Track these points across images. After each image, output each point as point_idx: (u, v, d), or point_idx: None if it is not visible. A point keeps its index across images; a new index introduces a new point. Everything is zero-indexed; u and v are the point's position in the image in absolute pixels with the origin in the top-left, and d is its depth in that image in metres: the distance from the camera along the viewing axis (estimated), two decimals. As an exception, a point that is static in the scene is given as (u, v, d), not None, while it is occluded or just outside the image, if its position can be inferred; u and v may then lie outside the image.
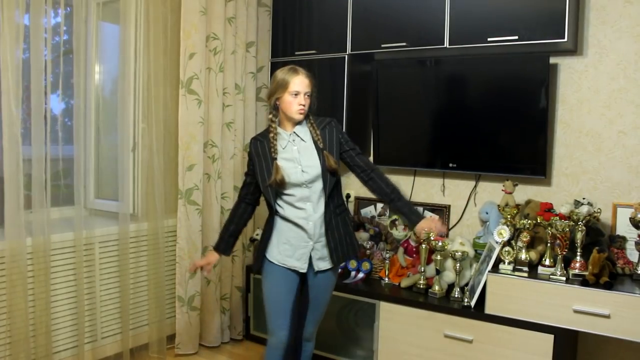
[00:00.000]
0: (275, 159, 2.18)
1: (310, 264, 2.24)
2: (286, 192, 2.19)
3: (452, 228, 3.15)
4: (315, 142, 2.23)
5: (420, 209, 3.22)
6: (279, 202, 2.21)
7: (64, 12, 2.77)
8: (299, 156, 2.20)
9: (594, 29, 2.68)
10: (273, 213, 2.24)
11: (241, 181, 3.31)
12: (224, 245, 2.37)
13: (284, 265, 2.22)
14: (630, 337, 2.17)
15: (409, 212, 2.27)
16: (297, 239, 2.21)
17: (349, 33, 3.12)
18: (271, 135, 2.21)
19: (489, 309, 2.45)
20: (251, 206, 2.37)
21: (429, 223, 2.25)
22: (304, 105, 2.18)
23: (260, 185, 2.22)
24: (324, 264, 2.26)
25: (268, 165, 2.20)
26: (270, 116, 2.23)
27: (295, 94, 2.16)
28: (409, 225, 2.27)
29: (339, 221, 2.27)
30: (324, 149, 2.22)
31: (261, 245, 2.29)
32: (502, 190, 2.76)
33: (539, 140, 2.68)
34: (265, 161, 2.21)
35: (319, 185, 2.20)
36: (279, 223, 2.23)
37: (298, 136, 2.23)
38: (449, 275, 2.78)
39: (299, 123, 2.23)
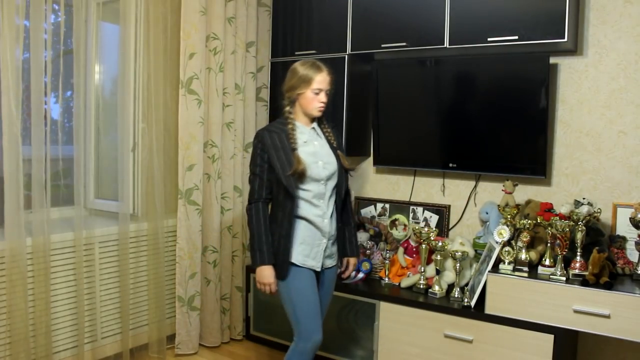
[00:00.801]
0: (295, 149, 2.14)
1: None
2: (303, 187, 2.15)
3: (452, 228, 3.15)
4: (328, 140, 2.26)
5: (421, 209, 3.22)
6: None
7: (64, 12, 2.77)
8: (320, 151, 2.21)
9: (594, 28, 2.68)
10: (292, 208, 2.14)
11: (242, 181, 3.35)
12: (272, 255, 2.17)
13: (304, 265, 2.18)
14: (631, 337, 2.16)
15: (354, 243, 2.37)
16: (312, 238, 2.18)
17: (349, 33, 3.12)
18: (289, 127, 2.17)
19: (489, 309, 2.45)
20: (268, 205, 2.24)
21: (354, 263, 2.42)
22: (324, 103, 2.18)
23: (281, 177, 2.12)
24: (331, 262, 2.27)
25: (288, 156, 2.13)
26: (288, 108, 2.20)
27: (317, 92, 2.15)
28: (344, 252, 2.35)
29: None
30: (338, 148, 2.26)
31: (283, 248, 2.15)
32: (502, 190, 2.76)
33: (539, 140, 2.68)
34: (285, 152, 2.14)
35: (332, 182, 2.21)
36: (294, 221, 2.17)
37: (316, 132, 2.25)
38: (449, 275, 2.78)
39: (313, 120, 2.24)
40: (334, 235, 2.25)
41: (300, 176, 2.12)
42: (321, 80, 2.15)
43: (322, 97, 2.16)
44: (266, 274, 2.15)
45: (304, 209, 2.16)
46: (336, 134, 2.31)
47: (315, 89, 2.14)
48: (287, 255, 2.15)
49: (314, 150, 2.19)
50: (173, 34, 3.05)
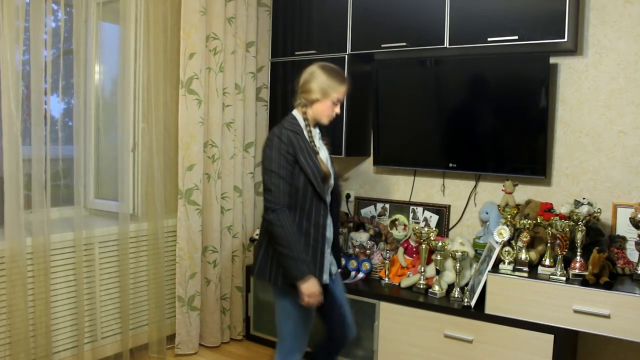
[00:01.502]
0: (318, 153, 2.09)
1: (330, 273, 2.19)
2: None
3: (452, 228, 3.15)
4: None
5: (421, 209, 3.22)
6: None
7: (64, 12, 2.77)
8: (328, 157, 2.19)
9: (594, 28, 2.68)
10: (320, 216, 2.04)
11: (241, 181, 3.35)
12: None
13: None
14: (631, 337, 2.16)
15: (339, 254, 2.29)
16: (324, 249, 2.11)
17: (349, 33, 3.12)
18: (308, 129, 2.10)
19: (488, 309, 2.45)
20: None
21: None
22: (337, 114, 2.15)
23: (314, 182, 2.01)
24: (334, 268, 2.25)
25: (314, 160, 2.04)
26: (305, 109, 2.11)
27: (337, 102, 2.10)
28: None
29: None
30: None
31: (313, 258, 2.04)
32: (502, 190, 2.76)
33: (539, 140, 2.68)
34: (309, 155, 2.04)
35: (330, 189, 2.17)
36: (324, 231, 2.08)
37: (320, 137, 2.22)
38: (449, 275, 2.78)
39: (315, 125, 2.19)
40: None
41: (326, 181, 2.06)
42: (343, 91, 2.10)
43: (338, 108, 2.12)
44: (316, 284, 1.98)
45: None
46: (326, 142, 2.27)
47: (335, 100, 2.09)
48: (321, 266, 2.05)
49: (326, 156, 2.17)
50: (173, 34, 3.06)
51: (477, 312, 2.50)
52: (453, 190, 3.15)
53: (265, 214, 2.01)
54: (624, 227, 2.54)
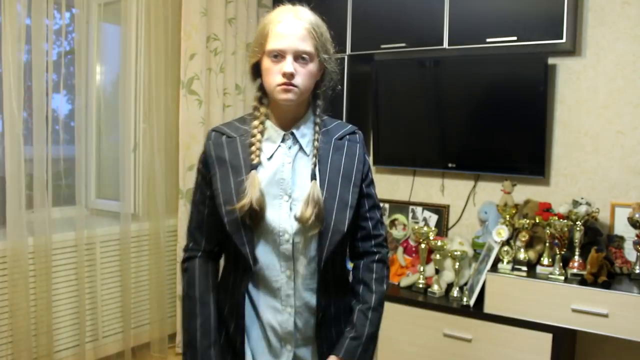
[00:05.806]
0: (256, 167, 1.46)
1: None
2: None
3: (451, 228, 3.16)
4: None
5: (420, 208, 3.24)
6: None
7: (66, 13, 2.78)
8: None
9: (592, 30, 2.69)
10: (244, 280, 1.52)
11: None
12: None
13: None
14: (628, 336, 2.18)
15: None
16: None
17: (349, 34, 3.13)
18: (257, 124, 1.51)
19: (487, 308, 2.47)
20: None
21: None
22: (288, 74, 1.39)
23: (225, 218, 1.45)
24: None
25: (233, 181, 1.45)
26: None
27: (275, 57, 1.35)
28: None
29: None
30: None
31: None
32: (501, 190, 2.77)
33: (538, 141, 2.69)
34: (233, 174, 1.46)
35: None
36: None
37: None
38: (448, 275, 2.79)
39: None
40: None
41: (253, 218, 1.40)
42: (276, 32, 1.34)
43: (286, 65, 1.36)
44: None
45: None
46: None
47: (269, 50, 1.35)
48: None
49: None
50: (174, 34, 3.07)
51: (476, 311, 2.51)
52: (452, 190, 3.17)
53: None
54: (621, 227, 2.55)
